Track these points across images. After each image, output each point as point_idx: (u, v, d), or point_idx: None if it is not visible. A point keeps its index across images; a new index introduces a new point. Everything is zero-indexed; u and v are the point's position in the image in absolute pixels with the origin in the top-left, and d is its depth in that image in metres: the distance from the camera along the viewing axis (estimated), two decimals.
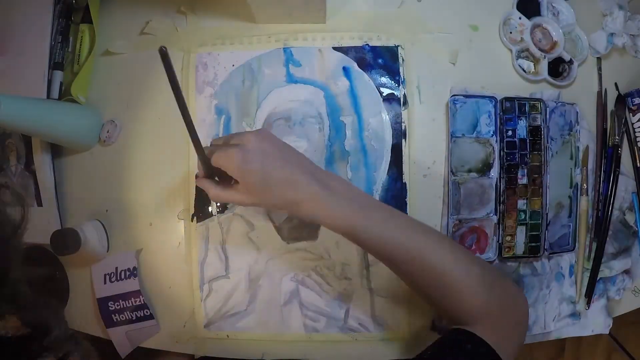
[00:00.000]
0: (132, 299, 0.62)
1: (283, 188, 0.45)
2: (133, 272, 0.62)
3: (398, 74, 0.62)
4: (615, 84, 0.64)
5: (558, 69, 0.64)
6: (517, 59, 0.63)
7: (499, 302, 0.48)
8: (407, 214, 0.61)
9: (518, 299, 0.50)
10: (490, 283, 0.48)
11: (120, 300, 0.63)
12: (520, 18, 0.64)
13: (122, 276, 0.63)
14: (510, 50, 0.63)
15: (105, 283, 0.63)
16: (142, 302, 0.62)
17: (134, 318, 0.63)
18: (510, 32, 0.64)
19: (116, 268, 0.63)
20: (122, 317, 0.63)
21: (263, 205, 0.49)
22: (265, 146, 0.46)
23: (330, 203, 0.45)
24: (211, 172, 0.48)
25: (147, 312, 0.62)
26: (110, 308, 0.63)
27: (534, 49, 0.63)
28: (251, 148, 0.45)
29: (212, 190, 0.48)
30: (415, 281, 0.49)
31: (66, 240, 0.58)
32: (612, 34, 0.63)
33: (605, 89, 0.64)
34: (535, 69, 0.64)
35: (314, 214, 0.46)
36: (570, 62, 0.63)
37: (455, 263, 0.47)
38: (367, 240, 0.47)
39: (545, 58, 0.63)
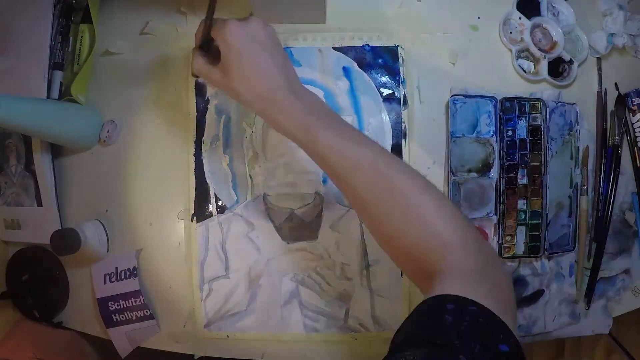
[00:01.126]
0: (132, 299, 0.62)
1: (259, 81, 0.44)
2: (133, 272, 0.62)
3: (398, 74, 0.62)
4: (616, 84, 0.64)
5: (558, 69, 0.64)
6: (517, 59, 0.63)
7: (474, 250, 0.38)
8: None
9: (496, 257, 0.44)
10: (465, 226, 0.40)
11: (121, 300, 0.63)
12: (520, 18, 0.64)
13: (122, 276, 0.63)
14: (510, 50, 0.63)
15: (105, 283, 0.63)
16: (142, 302, 0.62)
17: (134, 318, 0.63)
18: (510, 32, 0.64)
19: (116, 268, 0.63)
20: (122, 317, 0.63)
21: (232, 92, 0.46)
22: (262, 33, 0.45)
23: (304, 116, 0.43)
24: (206, 42, 0.47)
25: (147, 312, 0.62)
26: (110, 308, 0.63)
27: (534, 49, 0.63)
28: (250, 28, 0.44)
29: (197, 60, 0.47)
30: (375, 206, 0.41)
31: (66, 240, 0.58)
32: (612, 34, 0.63)
33: (605, 89, 0.64)
34: (535, 69, 0.64)
35: (276, 119, 0.44)
36: (570, 62, 0.63)
37: (424, 188, 0.41)
38: (323, 155, 0.42)
39: (545, 58, 0.63)
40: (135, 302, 0.62)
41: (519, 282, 0.62)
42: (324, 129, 0.42)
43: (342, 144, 0.42)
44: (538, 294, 0.62)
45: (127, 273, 0.63)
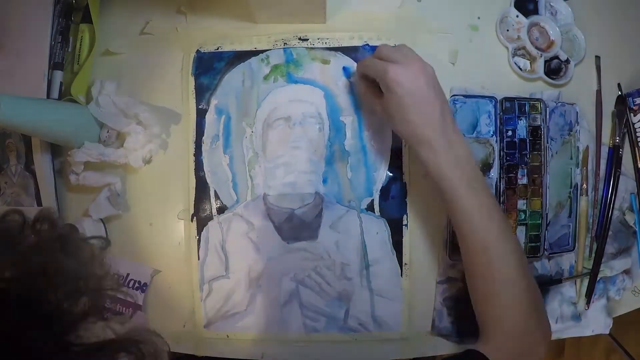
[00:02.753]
0: (131, 310, 0.62)
1: (419, 126, 0.48)
2: (142, 287, 0.62)
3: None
4: (619, 84, 0.64)
5: (558, 68, 0.64)
6: (513, 57, 0.63)
7: (530, 333, 0.49)
8: (407, 214, 0.61)
9: (546, 334, 0.51)
10: (534, 326, 0.49)
11: (119, 305, 0.62)
12: (517, 16, 0.64)
13: (130, 285, 0.62)
14: (507, 48, 0.63)
15: None
16: (142, 318, 0.62)
17: None
18: (507, 30, 0.64)
19: (127, 274, 0.62)
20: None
21: (389, 122, 0.51)
22: (428, 79, 0.49)
23: (449, 165, 0.48)
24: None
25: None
26: (105, 306, 0.62)
27: (530, 47, 0.63)
28: (418, 74, 0.48)
29: (361, 85, 0.54)
30: (472, 270, 0.51)
31: None
32: None
33: (599, 89, 0.64)
34: (531, 67, 0.64)
35: (420, 158, 0.49)
36: (567, 61, 0.64)
37: (516, 281, 0.48)
38: (455, 209, 0.49)
39: (541, 57, 0.63)
40: (133, 315, 0.62)
41: None
42: (464, 187, 0.48)
43: (474, 209, 0.48)
44: (555, 282, 0.62)
45: (136, 285, 0.62)
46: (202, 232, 0.62)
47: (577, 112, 0.63)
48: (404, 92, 0.47)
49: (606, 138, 0.65)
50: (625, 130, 0.64)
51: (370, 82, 0.52)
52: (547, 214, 0.61)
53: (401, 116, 0.48)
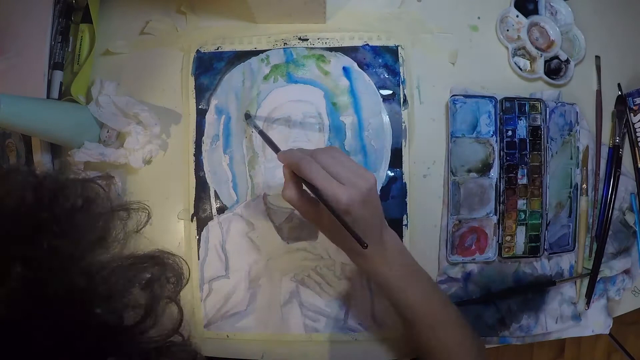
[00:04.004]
0: None
1: (352, 241, 0.45)
2: None
3: (398, 74, 0.62)
4: (619, 84, 0.64)
5: (558, 68, 0.64)
6: (513, 57, 0.63)
7: None
8: (407, 214, 0.61)
9: None
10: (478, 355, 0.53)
11: None
12: (517, 16, 0.64)
13: None
14: (507, 48, 0.63)
15: None
16: None
17: None
18: (507, 30, 0.64)
19: None
20: None
21: (325, 234, 0.51)
22: (369, 201, 0.46)
23: (380, 266, 0.49)
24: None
25: None
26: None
27: (530, 47, 0.63)
28: (362, 196, 0.44)
29: (289, 190, 0.47)
30: (421, 347, 0.54)
31: None
32: None
33: (599, 89, 0.64)
34: (531, 67, 0.64)
35: (362, 267, 0.51)
36: (567, 61, 0.64)
37: (466, 344, 0.52)
38: (397, 300, 0.51)
39: (541, 57, 0.63)
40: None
41: (518, 282, 0.62)
42: (400, 281, 0.50)
43: (412, 300, 0.51)
44: (548, 284, 0.62)
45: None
46: (202, 232, 0.62)
47: (577, 112, 0.63)
48: (356, 215, 0.44)
49: (606, 138, 0.65)
50: (625, 130, 0.64)
51: (299, 182, 0.48)
52: (547, 214, 0.61)
53: (340, 234, 0.45)
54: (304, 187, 0.47)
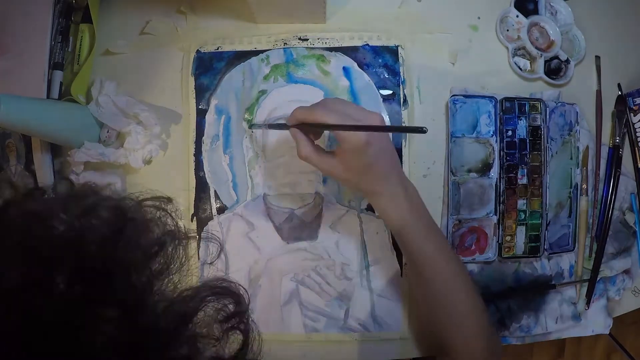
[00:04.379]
0: None
1: (376, 179, 0.48)
2: None
3: (398, 74, 0.62)
4: (619, 84, 0.64)
5: (558, 68, 0.64)
6: (513, 57, 0.63)
7: (492, 354, 0.51)
8: None
9: (501, 351, 0.54)
10: (492, 337, 0.52)
11: None
12: (517, 16, 0.64)
13: None
14: (507, 48, 0.63)
15: None
16: None
17: None
18: (507, 30, 0.64)
19: None
20: None
21: (347, 182, 0.51)
22: (386, 140, 0.49)
23: (408, 213, 0.50)
24: (310, 131, 0.49)
25: None
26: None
27: (530, 47, 0.63)
28: (378, 136, 0.47)
29: (305, 147, 0.48)
30: (433, 304, 0.53)
31: None
32: None
33: (599, 89, 0.64)
34: (531, 67, 0.64)
35: (385, 210, 0.50)
36: (567, 61, 0.64)
37: (476, 311, 0.51)
38: (411, 248, 0.51)
39: (541, 57, 0.63)
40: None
41: (519, 282, 0.62)
42: (424, 233, 0.51)
43: (435, 253, 0.51)
44: (549, 287, 0.62)
45: None
46: (202, 232, 0.62)
47: (577, 112, 0.63)
48: (372, 152, 0.46)
49: (606, 138, 0.65)
50: (625, 130, 0.64)
51: (308, 132, 0.49)
52: (547, 214, 0.61)
53: (360, 173, 0.48)
54: (316, 143, 0.49)
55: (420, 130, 0.37)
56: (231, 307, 0.32)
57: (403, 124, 0.61)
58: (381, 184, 0.48)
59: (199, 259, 0.62)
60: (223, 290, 0.33)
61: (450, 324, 0.51)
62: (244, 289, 0.35)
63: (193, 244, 0.62)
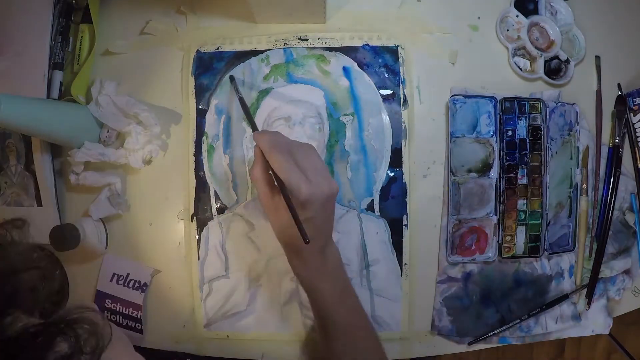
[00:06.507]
0: (131, 310, 0.63)
1: (300, 241, 0.45)
2: (142, 287, 0.62)
3: (398, 74, 0.62)
4: (619, 84, 0.64)
5: (558, 68, 0.64)
6: (513, 57, 0.63)
7: None
8: (407, 214, 0.61)
9: None
10: None
11: (119, 304, 0.63)
12: (517, 16, 0.64)
13: (130, 285, 0.63)
14: (507, 48, 0.63)
15: (111, 281, 0.63)
16: (139, 317, 0.62)
17: (124, 324, 0.63)
18: (507, 30, 0.64)
19: (127, 274, 0.63)
20: (114, 317, 0.63)
21: (276, 224, 0.49)
22: (326, 206, 0.47)
23: (318, 280, 0.50)
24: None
25: (139, 326, 0.62)
26: (105, 304, 0.63)
27: (530, 47, 0.63)
28: (320, 200, 0.45)
29: (257, 169, 0.48)
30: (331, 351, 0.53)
31: (65, 235, 0.58)
32: None
33: (599, 89, 0.64)
34: (531, 67, 0.64)
35: (297, 268, 0.50)
36: (567, 61, 0.64)
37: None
38: (325, 313, 0.51)
39: (541, 57, 0.63)
40: (133, 313, 0.62)
41: (518, 282, 0.62)
42: (336, 300, 0.51)
43: (344, 320, 0.51)
44: (562, 298, 0.62)
45: (136, 285, 0.63)
46: (202, 232, 0.62)
47: (577, 112, 0.63)
48: (310, 214, 0.45)
49: (606, 138, 0.65)
50: (625, 130, 0.64)
51: (267, 165, 0.48)
52: (547, 214, 0.61)
53: (289, 229, 0.46)
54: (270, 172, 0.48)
55: (304, 239, 0.41)
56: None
57: (403, 124, 0.61)
58: (301, 244, 0.45)
59: (198, 258, 0.62)
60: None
61: None
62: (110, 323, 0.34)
63: (193, 244, 0.62)
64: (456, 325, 0.61)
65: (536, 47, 0.63)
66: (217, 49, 0.63)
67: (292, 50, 0.63)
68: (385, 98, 0.62)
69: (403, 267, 0.61)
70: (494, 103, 0.61)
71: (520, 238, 0.61)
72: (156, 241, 0.64)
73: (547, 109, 0.61)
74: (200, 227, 0.62)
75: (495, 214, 0.60)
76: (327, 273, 0.50)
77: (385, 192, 0.61)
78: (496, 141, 0.61)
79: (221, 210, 0.62)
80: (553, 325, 0.62)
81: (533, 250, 0.61)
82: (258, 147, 0.48)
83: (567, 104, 0.63)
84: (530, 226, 0.61)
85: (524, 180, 0.61)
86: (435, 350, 0.62)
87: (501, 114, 0.61)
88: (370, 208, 0.61)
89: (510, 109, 0.61)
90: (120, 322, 0.63)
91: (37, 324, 0.31)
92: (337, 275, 0.52)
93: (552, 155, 0.62)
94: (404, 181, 0.61)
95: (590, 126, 0.64)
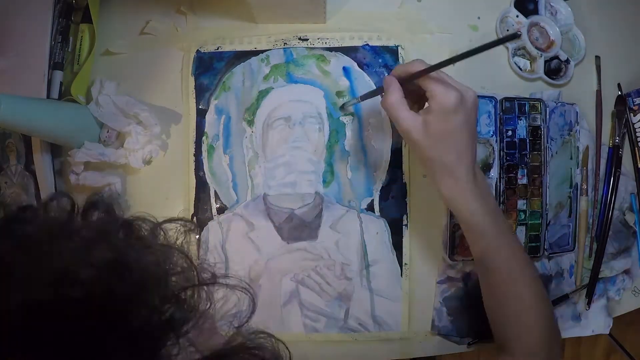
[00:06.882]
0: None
1: (453, 151, 0.45)
2: None
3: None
4: (619, 84, 0.64)
5: (558, 68, 0.64)
6: (513, 57, 0.63)
7: (550, 349, 0.49)
8: (407, 214, 0.61)
9: (562, 346, 0.53)
10: (552, 330, 0.50)
11: None
12: (517, 16, 0.64)
13: None
14: (507, 48, 0.63)
15: None
16: None
17: None
18: (507, 30, 0.64)
19: None
20: None
21: (420, 147, 0.46)
22: (474, 113, 0.46)
23: (472, 199, 0.47)
24: (406, 86, 0.47)
25: None
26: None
27: (530, 47, 0.63)
28: (469, 105, 0.45)
29: (393, 94, 0.46)
30: (495, 298, 0.51)
31: None
32: None
33: (599, 89, 0.64)
34: (531, 67, 0.64)
35: (451, 191, 0.47)
36: (567, 61, 0.64)
37: (539, 304, 0.49)
38: (478, 241, 0.49)
39: (541, 57, 0.63)
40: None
41: None
42: (490, 223, 0.48)
43: (502, 246, 0.49)
44: (562, 298, 0.62)
45: None
46: (202, 232, 0.62)
47: (577, 112, 0.63)
48: (459, 119, 0.44)
49: (606, 138, 0.65)
50: (625, 130, 0.64)
51: (407, 92, 0.47)
52: (547, 214, 0.61)
53: (439, 140, 0.45)
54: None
55: (515, 35, 0.39)
56: None
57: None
58: (455, 159, 0.46)
59: (198, 258, 0.62)
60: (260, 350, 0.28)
61: (510, 313, 0.50)
62: (285, 346, 0.31)
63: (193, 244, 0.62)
64: (456, 325, 0.61)
65: (536, 47, 0.63)
66: (217, 49, 0.63)
67: (292, 50, 0.63)
68: None
69: (403, 267, 0.61)
70: (494, 103, 0.61)
71: (520, 238, 0.61)
72: None
73: (547, 109, 0.61)
74: (200, 227, 0.62)
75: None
76: (481, 189, 0.48)
77: (385, 192, 0.61)
78: (496, 141, 0.61)
79: (221, 210, 0.62)
80: None
81: (533, 250, 0.61)
82: (392, 76, 0.47)
83: (567, 104, 0.63)
84: (530, 226, 0.61)
85: (524, 180, 0.61)
86: (435, 350, 0.62)
87: (501, 114, 0.61)
88: (370, 208, 0.61)
89: (510, 109, 0.61)
90: None
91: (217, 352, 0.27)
92: (489, 193, 0.50)
93: (552, 155, 0.62)
94: (404, 181, 0.61)
95: (590, 126, 0.64)
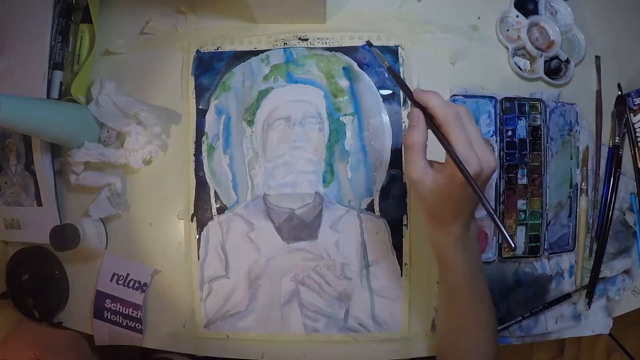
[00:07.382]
0: (131, 310, 0.63)
1: (452, 212, 0.44)
2: (142, 287, 0.62)
3: (398, 74, 0.62)
4: (619, 84, 0.64)
5: (558, 68, 0.64)
6: (513, 57, 0.63)
7: None
8: (407, 214, 0.61)
9: None
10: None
11: (119, 304, 0.63)
12: (517, 16, 0.64)
13: (130, 285, 0.63)
14: (507, 48, 0.63)
15: (111, 281, 0.63)
16: (139, 317, 0.62)
17: (124, 324, 0.63)
18: (507, 30, 0.64)
19: (127, 274, 0.63)
20: (113, 317, 0.63)
21: (418, 198, 0.47)
22: (487, 182, 0.44)
23: (456, 252, 0.47)
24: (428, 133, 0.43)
25: (139, 326, 0.62)
26: (105, 304, 0.63)
27: (530, 47, 0.63)
28: (483, 179, 0.42)
29: (419, 135, 0.43)
30: (454, 343, 0.52)
31: (65, 235, 0.58)
32: None
33: (599, 89, 0.64)
34: (531, 67, 0.64)
35: (440, 246, 0.48)
36: (567, 61, 0.64)
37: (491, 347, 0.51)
38: (459, 287, 0.49)
39: (541, 57, 0.63)
40: (133, 313, 0.63)
41: (518, 282, 0.62)
42: (469, 276, 0.48)
43: (475, 295, 0.49)
44: (564, 297, 0.62)
45: (136, 285, 0.63)
46: (202, 232, 0.62)
47: (577, 112, 0.63)
48: (470, 192, 0.41)
49: (606, 138, 0.65)
50: (625, 130, 0.64)
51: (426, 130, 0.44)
52: (547, 214, 0.61)
53: (444, 203, 0.43)
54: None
55: (511, 246, 0.41)
56: None
57: (403, 124, 0.61)
58: (452, 216, 0.44)
59: (198, 258, 0.62)
60: None
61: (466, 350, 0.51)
62: None
63: (193, 244, 0.62)
64: None
65: (536, 47, 0.63)
66: (217, 49, 0.63)
67: (292, 50, 0.63)
68: (385, 98, 0.62)
69: (403, 267, 0.61)
70: (494, 103, 0.61)
71: (521, 238, 0.61)
72: (156, 241, 0.64)
73: (547, 109, 0.61)
74: (200, 227, 0.62)
75: (496, 214, 0.60)
76: (466, 248, 0.47)
77: (385, 192, 0.61)
78: (496, 141, 0.61)
79: (221, 210, 0.62)
80: (553, 325, 0.62)
81: (533, 250, 0.61)
82: (420, 111, 0.43)
83: (567, 104, 0.63)
84: (530, 226, 0.61)
85: (524, 180, 0.61)
86: (435, 351, 0.62)
87: (501, 114, 0.61)
88: (370, 208, 0.61)
89: (510, 109, 0.61)
90: (120, 322, 0.63)
91: None
92: (474, 249, 0.48)
93: (552, 155, 0.62)
94: (404, 181, 0.61)
95: (590, 126, 0.64)
